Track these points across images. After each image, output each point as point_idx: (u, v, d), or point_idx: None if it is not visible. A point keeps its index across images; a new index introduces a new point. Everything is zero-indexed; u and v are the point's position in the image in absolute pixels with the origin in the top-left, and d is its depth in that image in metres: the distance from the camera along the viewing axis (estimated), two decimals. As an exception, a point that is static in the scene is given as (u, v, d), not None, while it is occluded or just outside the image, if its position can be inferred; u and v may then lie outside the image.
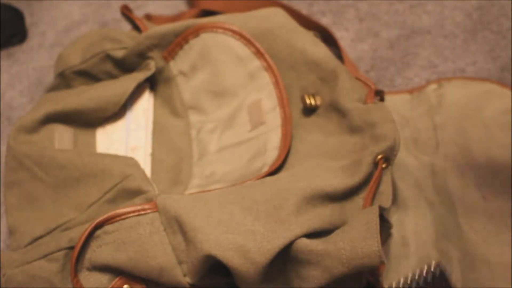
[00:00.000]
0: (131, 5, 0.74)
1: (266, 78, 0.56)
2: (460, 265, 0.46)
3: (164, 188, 0.56)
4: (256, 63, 0.56)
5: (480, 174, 0.49)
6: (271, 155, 0.52)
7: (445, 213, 0.49)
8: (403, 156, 0.54)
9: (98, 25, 0.76)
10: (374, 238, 0.39)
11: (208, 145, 0.57)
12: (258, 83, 0.56)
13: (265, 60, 0.56)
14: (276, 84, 0.55)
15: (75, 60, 0.62)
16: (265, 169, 0.50)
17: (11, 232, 0.54)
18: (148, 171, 0.57)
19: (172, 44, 0.59)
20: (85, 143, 0.59)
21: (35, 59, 0.75)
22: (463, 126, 0.53)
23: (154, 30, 0.59)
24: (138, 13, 0.74)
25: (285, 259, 0.43)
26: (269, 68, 0.56)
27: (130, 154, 0.58)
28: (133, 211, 0.46)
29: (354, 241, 0.40)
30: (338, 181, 0.44)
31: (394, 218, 0.51)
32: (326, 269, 0.41)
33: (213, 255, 0.42)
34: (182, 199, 0.45)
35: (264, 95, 0.55)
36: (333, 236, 0.42)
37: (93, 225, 0.45)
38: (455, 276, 0.46)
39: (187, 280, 0.44)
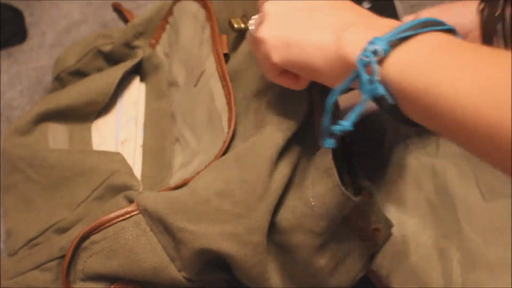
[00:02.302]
0: (132, 5, 0.74)
1: (208, 28, 0.54)
2: (460, 265, 0.46)
3: (154, 174, 0.55)
4: (203, 12, 0.55)
5: (480, 174, 0.49)
6: (220, 100, 0.50)
7: (445, 213, 0.49)
8: (404, 156, 0.54)
9: (98, 25, 0.76)
10: (331, 177, 0.41)
11: (177, 116, 0.56)
12: (205, 35, 0.54)
13: (206, 6, 0.54)
14: (211, 20, 0.53)
15: (70, 61, 0.62)
16: (224, 123, 0.48)
17: (8, 235, 0.54)
18: (139, 163, 0.56)
19: (158, 28, 0.59)
20: (80, 140, 0.59)
21: (35, 59, 0.75)
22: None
23: (139, 17, 0.59)
24: (139, 13, 0.74)
25: (275, 236, 0.44)
26: (209, 15, 0.54)
27: (120, 148, 0.57)
28: (117, 217, 0.45)
29: (320, 194, 0.41)
30: (286, 129, 0.44)
31: (394, 218, 0.51)
32: (307, 230, 0.42)
33: (207, 249, 0.42)
34: (159, 197, 0.45)
35: (205, 43, 0.54)
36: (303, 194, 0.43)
37: (78, 237, 0.45)
38: (455, 276, 0.46)
39: (182, 274, 0.44)
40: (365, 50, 0.32)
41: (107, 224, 0.45)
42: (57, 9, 0.78)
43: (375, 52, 0.32)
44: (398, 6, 0.58)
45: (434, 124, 0.31)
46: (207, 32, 0.54)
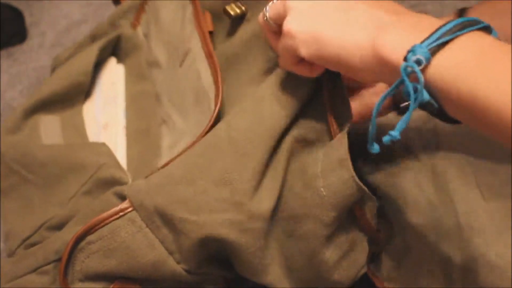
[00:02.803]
0: None
1: (190, 7, 0.53)
2: (461, 265, 0.46)
3: (139, 156, 0.54)
4: None
5: (480, 174, 0.49)
6: (206, 79, 0.49)
7: (445, 213, 0.49)
8: (404, 156, 0.54)
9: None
10: (344, 168, 0.40)
11: (162, 97, 0.56)
12: (186, 14, 0.54)
13: None
14: (194, 4, 0.52)
15: (65, 56, 0.62)
16: (212, 101, 0.48)
17: (6, 237, 0.54)
18: (123, 145, 0.55)
19: (138, 9, 0.59)
20: (73, 127, 0.58)
21: (35, 59, 0.75)
22: (463, 126, 0.53)
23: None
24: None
25: (283, 224, 0.44)
26: None
27: (102, 133, 0.56)
28: (111, 215, 0.44)
29: (332, 185, 0.41)
30: (289, 104, 0.43)
31: (395, 219, 0.51)
32: (316, 219, 0.42)
33: (208, 237, 0.42)
34: (153, 188, 0.44)
35: (187, 21, 0.53)
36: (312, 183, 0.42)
37: (73, 239, 0.44)
38: (455, 276, 0.46)
39: (182, 267, 0.44)
40: (407, 59, 0.33)
41: (102, 224, 0.44)
42: (57, 9, 0.78)
43: (418, 62, 0.32)
44: None
45: (480, 126, 0.32)
46: (189, 10, 0.53)
